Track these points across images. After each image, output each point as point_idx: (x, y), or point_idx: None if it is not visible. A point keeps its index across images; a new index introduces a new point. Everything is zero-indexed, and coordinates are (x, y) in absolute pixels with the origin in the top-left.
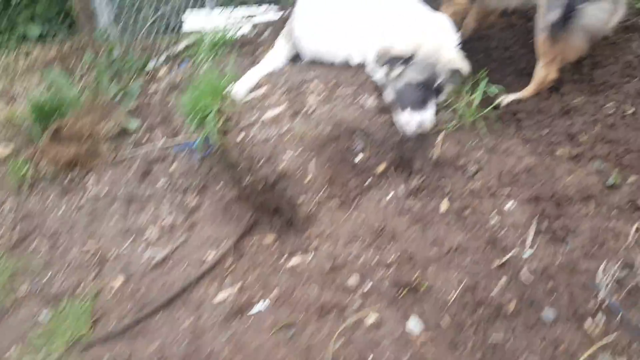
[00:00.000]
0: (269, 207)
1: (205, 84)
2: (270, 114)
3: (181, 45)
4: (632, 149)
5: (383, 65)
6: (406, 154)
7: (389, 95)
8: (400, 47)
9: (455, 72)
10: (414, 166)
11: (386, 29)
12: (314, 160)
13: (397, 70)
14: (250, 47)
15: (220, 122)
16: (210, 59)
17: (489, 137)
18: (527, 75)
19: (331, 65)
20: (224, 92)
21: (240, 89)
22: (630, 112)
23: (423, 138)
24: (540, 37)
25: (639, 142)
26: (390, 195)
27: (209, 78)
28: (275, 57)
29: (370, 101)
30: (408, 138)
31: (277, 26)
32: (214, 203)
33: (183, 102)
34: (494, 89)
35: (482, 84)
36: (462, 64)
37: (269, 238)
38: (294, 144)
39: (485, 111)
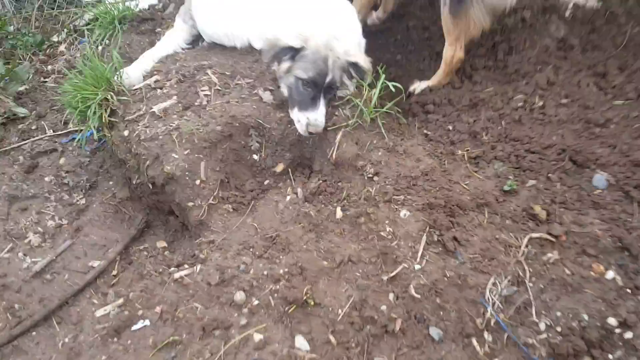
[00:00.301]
0: (162, 209)
1: (88, 70)
2: (160, 106)
3: (84, 19)
4: (534, 149)
5: (270, 59)
6: (306, 153)
7: (283, 90)
8: (288, 38)
9: (354, 66)
10: (314, 166)
11: (276, 16)
12: (205, 161)
13: (285, 64)
14: (151, 23)
15: (106, 114)
16: (108, 36)
17: (390, 136)
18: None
19: (232, 49)
20: (111, 79)
21: (132, 74)
22: (538, 105)
23: (322, 136)
24: (443, 14)
25: (542, 141)
26: (288, 198)
27: (93, 64)
28: (173, 39)
29: (268, 95)
30: (305, 137)
31: None
32: (104, 203)
33: (64, 90)
34: (392, 86)
35: (382, 79)
36: (361, 58)
37: (160, 244)
38: (182, 143)
39: (385, 108)
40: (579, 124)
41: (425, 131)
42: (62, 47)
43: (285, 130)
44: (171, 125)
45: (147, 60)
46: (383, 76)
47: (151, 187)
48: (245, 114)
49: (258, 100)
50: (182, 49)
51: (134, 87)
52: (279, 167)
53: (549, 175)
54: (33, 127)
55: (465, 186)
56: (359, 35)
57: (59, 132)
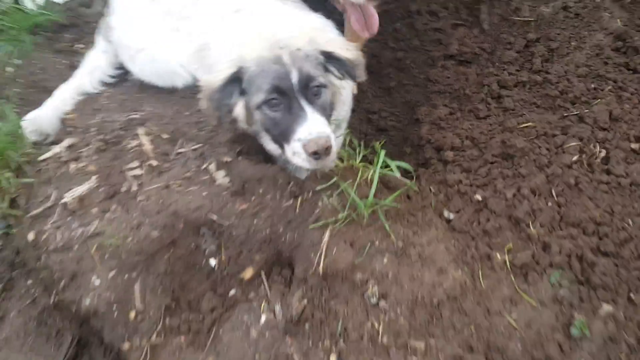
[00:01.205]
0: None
1: None
2: (74, 193)
3: None
4: (605, 247)
5: (214, 113)
6: (283, 251)
7: (265, 144)
8: (217, 71)
9: (331, 60)
10: (296, 270)
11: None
12: (140, 281)
13: (239, 107)
14: (73, 32)
15: (5, 202)
16: (16, 53)
17: (398, 228)
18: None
19: (172, 90)
20: (8, 150)
21: (37, 125)
22: (600, 157)
23: (304, 234)
24: None
25: (613, 224)
26: (263, 319)
27: None
28: (94, 65)
29: (222, 175)
30: (283, 230)
31: None
32: (23, 312)
33: None
34: (395, 168)
35: (380, 157)
36: (336, 45)
37: None
38: (106, 259)
39: (390, 199)
40: None
41: (446, 213)
42: None
43: (251, 227)
44: (90, 227)
45: (58, 102)
46: (382, 153)
47: (74, 313)
48: (192, 207)
49: (209, 183)
50: (110, 76)
51: (40, 158)
52: (248, 273)
53: (631, 295)
54: None
55: (512, 321)
56: (319, 19)
57: None
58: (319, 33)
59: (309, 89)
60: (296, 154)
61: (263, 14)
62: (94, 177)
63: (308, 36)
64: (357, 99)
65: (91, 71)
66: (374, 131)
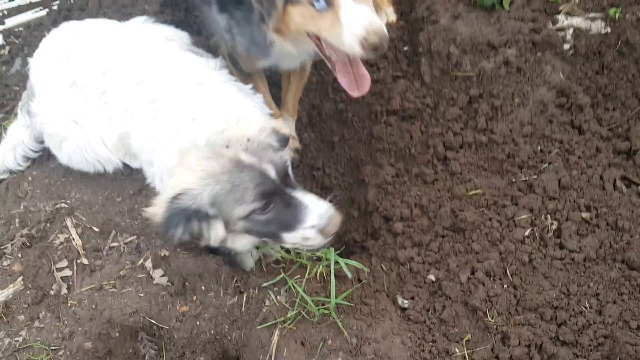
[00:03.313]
0: None
1: None
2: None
3: None
4: (563, 335)
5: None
6: (230, 351)
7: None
8: (159, 202)
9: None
10: None
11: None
12: None
13: (213, 226)
14: None
15: None
16: None
17: (351, 322)
18: None
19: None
20: None
21: None
22: (552, 229)
23: (252, 334)
24: None
25: (570, 309)
26: None
27: None
28: (15, 141)
29: (160, 273)
30: (229, 329)
31: (38, 39)
32: None
33: None
34: (345, 268)
35: (332, 255)
36: (260, 122)
37: None
38: None
39: (342, 297)
40: (614, 268)
41: (400, 300)
42: None
43: (194, 329)
44: (18, 338)
45: None
46: (333, 252)
47: None
48: (128, 312)
49: (146, 282)
50: (33, 150)
51: None
52: None
53: None
54: None
55: None
56: (239, 97)
57: None
58: (251, 114)
59: (287, 176)
60: (308, 239)
61: (180, 105)
62: (19, 279)
63: (246, 123)
64: (300, 154)
65: (13, 147)
66: (319, 189)
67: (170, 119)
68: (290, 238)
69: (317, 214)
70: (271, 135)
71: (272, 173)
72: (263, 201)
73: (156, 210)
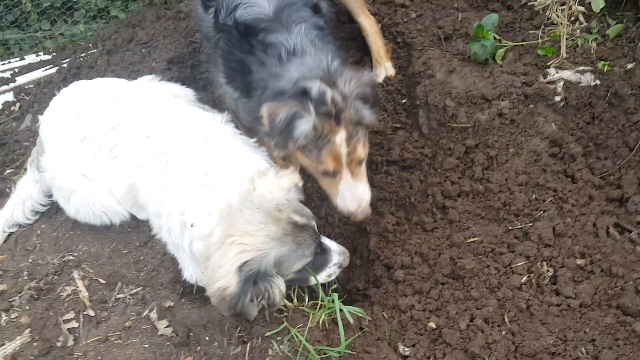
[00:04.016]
0: None
1: None
2: (7, 348)
3: None
4: None
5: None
6: None
7: None
8: (223, 278)
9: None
10: None
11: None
12: None
13: (274, 286)
14: (0, 153)
15: None
16: None
17: None
18: None
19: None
20: None
21: None
22: (548, 276)
23: None
24: None
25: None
26: None
27: None
28: (24, 196)
29: (165, 324)
30: None
31: (49, 96)
32: None
33: None
34: (348, 314)
35: (336, 302)
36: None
37: None
38: None
39: (340, 348)
40: (609, 314)
41: (401, 348)
42: None
43: None
44: None
45: None
46: (336, 297)
47: None
48: None
49: (151, 333)
50: (42, 204)
51: None
52: None
53: None
54: None
55: None
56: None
57: None
58: (262, 168)
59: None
60: (331, 275)
61: (191, 158)
62: (27, 331)
63: (264, 178)
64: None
65: (22, 201)
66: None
67: (181, 171)
68: (319, 277)
69: (337, 253)
70: (297, 190)
71: (316, 227)
72: (316, 250)
73: (226, 282)
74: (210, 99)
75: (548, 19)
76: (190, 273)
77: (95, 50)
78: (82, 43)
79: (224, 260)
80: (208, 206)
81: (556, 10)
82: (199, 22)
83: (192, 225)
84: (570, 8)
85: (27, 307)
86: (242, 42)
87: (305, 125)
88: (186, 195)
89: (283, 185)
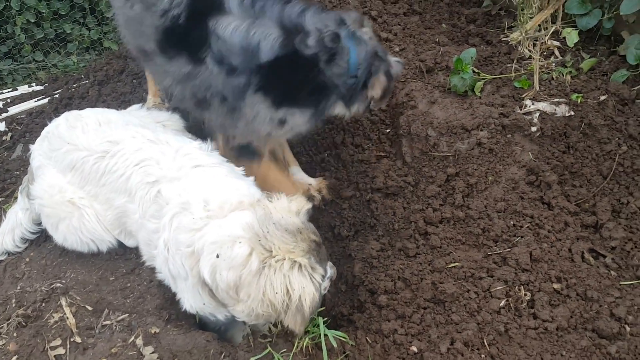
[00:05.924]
0: None
1: None
2: None
3: None
4: None
5: None
6: None
7: None
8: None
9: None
10: None
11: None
12: None
13: None
14: None
15: None
16: None
17: None
18: None
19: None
20: None
21: None
22: (525, 300)
23: None
24: None
25: None
26: None
27: None
28: (14, 223)
29: (150, 350)
30: None
31: (40, 126)
32: None
33: None
34: (332, 339)
35: (321, 327)
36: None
37: None
38: None
39: None
40: (585, 337)
41: None
42: None
43: None
44: None
45: None
46: (321, 320)
47: None
48: None
49: (137, 359)
50: (31, 232)
51: None
52: None
53: None
54: None
55: None
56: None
57: None
58: (282, 198)
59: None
60: (326, 287)
61: (183, 186)
62: (14, 358)
63: (284, 206)
64: None
65: (12, 229)
66: None
67: (176, 201)
68: None
69: (329, 267)
70: (306, 213)
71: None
72: None
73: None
74: (197, 128)
75: (521, 53)
76: (191, 304)
77: (87, 81)
78: (75, 74)
79: (278, 280)
80: (229, 235)
81: (528, 46)
82: None
83: (217, 257)
84: (544, 43)
85: (15, 334)
86: None
87: None
88: (190, 226)
89: (293, 209)
